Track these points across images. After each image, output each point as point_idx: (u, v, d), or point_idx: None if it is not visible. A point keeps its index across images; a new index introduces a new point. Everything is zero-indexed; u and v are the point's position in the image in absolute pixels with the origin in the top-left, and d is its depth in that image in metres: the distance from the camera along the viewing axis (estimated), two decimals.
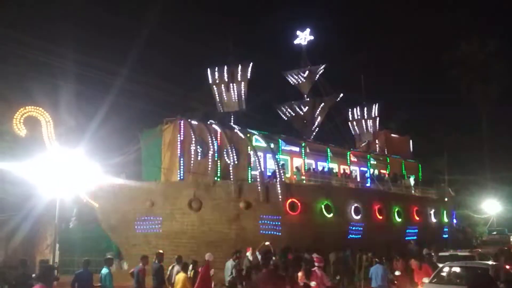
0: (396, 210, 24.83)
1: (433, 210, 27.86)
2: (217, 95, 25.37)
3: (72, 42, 29.26)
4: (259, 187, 19.45)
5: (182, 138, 20.05)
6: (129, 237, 18.67)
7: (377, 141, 31.80)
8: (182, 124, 20.22)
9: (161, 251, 12.79)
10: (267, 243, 15.53)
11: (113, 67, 29.64)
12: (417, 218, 26.23)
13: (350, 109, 32.60)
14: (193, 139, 19.86)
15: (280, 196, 19.62)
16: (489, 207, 37.12)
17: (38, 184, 13.52)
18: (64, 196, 13.12)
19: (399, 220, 24.80)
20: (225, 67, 25.19)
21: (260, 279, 8.80)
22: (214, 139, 20.25)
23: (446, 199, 29.55)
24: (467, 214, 36.70)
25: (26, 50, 22.60)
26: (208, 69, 25.17)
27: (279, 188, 19.73)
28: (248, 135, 21.67)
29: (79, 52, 28.82)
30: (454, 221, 31.07)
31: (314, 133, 29.47)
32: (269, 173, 21.90)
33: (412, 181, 28.98)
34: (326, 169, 24.82)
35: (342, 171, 25.80)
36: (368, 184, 26.24)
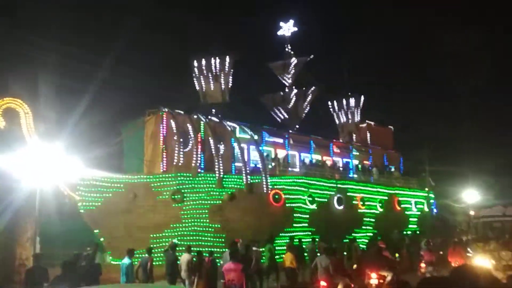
0: (379, 200, 25.26)
1: (414, 200, 28.37)
2: (201, 86, 25.26)
3: (52, 33, 28.76)
4: (243, 179, 19.52)
5: (164, 130, 19.94)
6: (111, 230, 18.56)
7: (359, 132, 32.15)
8: (164, 115, 20.09)
9: (175, 241, 12.98)
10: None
11: (95, 59, 29.28)
12: (398, 208, 26.72)
13: (333, 100, 32.84)
14: (176, 131, 19.77)
15: (264, 187, 19.74)
16: (468, 197, 37.86)
17: (18, 177, 13.31)
18: (44, 188, 12.98)
19: (381, 210, 25.23)
20: (209, 58, 25.09)
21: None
22: (197, 131, 20.19)
23: (426, 189, 30.10)
24: (448, 204, 37.40)
25: (4, 40, 22.13)
26: (195, 61, 25.02)
27: (263, 179, 19.84)
28: (232, 126, 21.67)
29: (60, 43, 28.36)
30: (434, 210, 31.69)
31: (297, 125, 29.61)
32: (252, 165, 21.98)
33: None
34: (312, 161, 25.02)
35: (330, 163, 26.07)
36: (351, 175, 26.56)
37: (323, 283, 10.09)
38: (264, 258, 14.10)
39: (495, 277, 4.66)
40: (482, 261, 12.34)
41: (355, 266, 12.08)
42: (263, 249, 14.21)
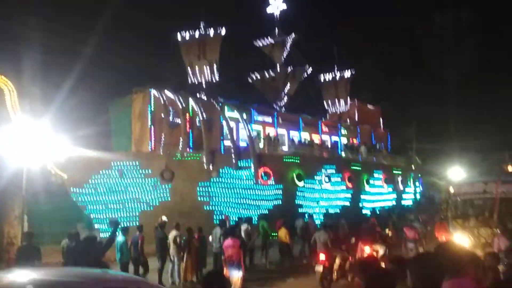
0: (365, 178, 25.54)
1: (400, 178, 28.76)
2: (189, 63, 24.98)
3: (36, 9, 27.99)
4: (232, 157, 19.54)
5: (152, 108, 19.76)
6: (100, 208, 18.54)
7: (348, 111, 32.23)
8: (152, 94, 19.87)
9: (164, 218, 12.98)
10: None
11: (81, 35, 28.64)
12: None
13: (322, 79, 32.74)
14: (164, 109, 19.60)
15: (252, 166, 19.81)
16: (454, 174, 38.35)
17: (4, 155, 13.14)
18: (31, 167, 12.84)
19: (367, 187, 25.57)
20: (197, 33, 24.76)
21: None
22: (185, 109, 20.04)
23: (413, 167, 30.51)
24: (434, 182, 37.96)
25: None
26: (183, 32, 24.64)
27: (252, 158, 19.89)
28: (221, 105, 21.55)
29: (45, 18, 27.65)
30: (420, 188, 32.21)
31: (286, 103, 29.56)
32: (243, 143, 22.00)
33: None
34: (300, 140, 25.11)
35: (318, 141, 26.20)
36: (340, 153, 26.76)
37: (322, 255, 10.40)
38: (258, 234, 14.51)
39: (476, 255, 4.76)
40: (461, 238, 12.48)
41: (353, 239, 12.51)
42: (262, 224, 14.57)
